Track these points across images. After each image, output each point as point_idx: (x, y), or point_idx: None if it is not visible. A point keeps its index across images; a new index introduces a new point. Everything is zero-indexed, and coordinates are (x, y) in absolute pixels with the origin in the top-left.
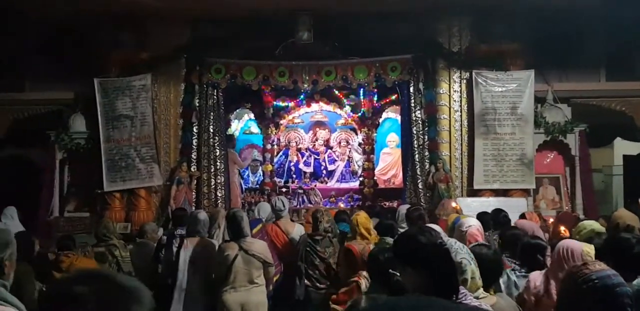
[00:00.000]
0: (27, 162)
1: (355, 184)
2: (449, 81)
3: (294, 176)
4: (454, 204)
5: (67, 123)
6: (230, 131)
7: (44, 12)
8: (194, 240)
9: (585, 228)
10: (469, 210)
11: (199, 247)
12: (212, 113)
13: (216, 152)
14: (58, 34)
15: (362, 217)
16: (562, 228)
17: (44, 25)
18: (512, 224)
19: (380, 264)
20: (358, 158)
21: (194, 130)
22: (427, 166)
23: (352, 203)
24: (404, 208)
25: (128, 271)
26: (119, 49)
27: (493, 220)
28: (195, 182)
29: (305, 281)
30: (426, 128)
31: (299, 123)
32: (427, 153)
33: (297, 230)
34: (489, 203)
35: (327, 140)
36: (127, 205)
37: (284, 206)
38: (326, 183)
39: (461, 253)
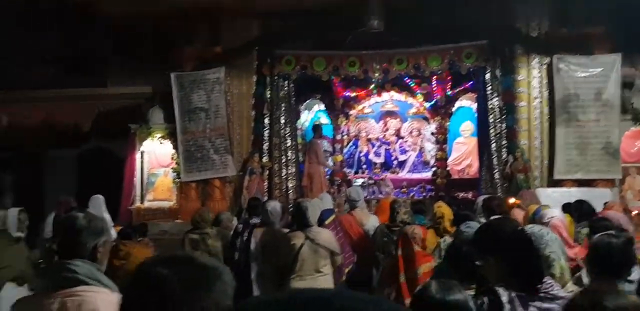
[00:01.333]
0: (110, 154)
1: (427, 174)
2: (528, 67)
3: (364, 166)
4: (512, 200)
5: (147, 116)
6: (299, 122)
7: (123, 12)
8: (265, 229)
9: None
10: (550, 201)
11: (268, 236)
12: (283, 105)
13: (287, 143)
14: (137, 32)
15: (445, 208)
16: None
17: (124, 24)
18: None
19: (462, 255)
20: (430, 148)
21: (266, 121)
22: (505, 155)
23: (424, 194)
24: (481, 200)
25: (220, 260)
26: (194, 44)
27: (577, 212)
28: (267, 172)
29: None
30: (503, 116)
31: (369, 113)
32: (504, 142)
33: (372, 221)
34: (570, 194)
35: (398, 130)
36: (203, 194)
37: (358, 196)
38: (397, 173)
39: (552, 246)
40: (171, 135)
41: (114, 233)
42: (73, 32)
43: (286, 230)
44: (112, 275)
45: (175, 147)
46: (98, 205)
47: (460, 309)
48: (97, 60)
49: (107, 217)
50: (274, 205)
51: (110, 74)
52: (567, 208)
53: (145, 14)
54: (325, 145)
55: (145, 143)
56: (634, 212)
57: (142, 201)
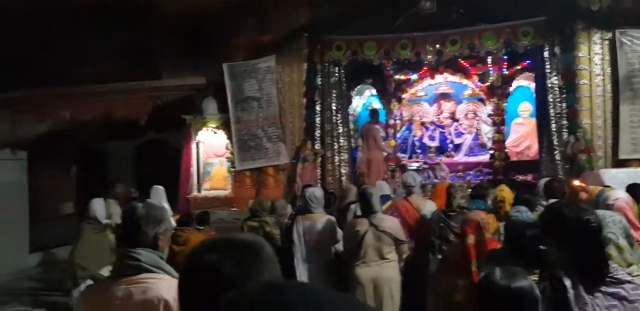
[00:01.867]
0: (166, 145)
1: (484, 157)
2: (589, 43)
3: (418, 151)
4: (577, 182)
5: (201, 107)
6: (351, 108)
7: (175, 4)
8: (306, 216)
9: None
10: (614, 182)
11: (308, 222)
12: (334, 91)
13: (339, 129)
14: (188, 24)
15: (508, 192)
16: None
17: (176, 17)
18: None
19: (525, 239)
20: (487, 130)
21: (317, 108)
22: (566, 136)
23: (481, 178)
24: (542, 182)
25: (278, 248)
26: (244, 34)
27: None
28: (319, 159)
29: (439, 256)
30: (564, 95)
31: (422, 96)
32: (565, 122)
33: (429, 207)
34: (637, 175)
35: (453, 113)
36: (257, 183)
37: (415, 182)
38: (453, 157)
39: (611, 227)
40: (225, 125)
41: (173, 222)
42: (128, 26)
43: (328, 216)
44: (172, 260)
45: (229, 137)
46: (159, 195)
47: (526, 296)
48: (152, 54)
49: (166, 206)
50: (312, 191)
51: (165, 67)
52: (632, 189)
53: (196, 6)
54: (379, 130)
55: (200, 133)
56: None
57: (199, 190)
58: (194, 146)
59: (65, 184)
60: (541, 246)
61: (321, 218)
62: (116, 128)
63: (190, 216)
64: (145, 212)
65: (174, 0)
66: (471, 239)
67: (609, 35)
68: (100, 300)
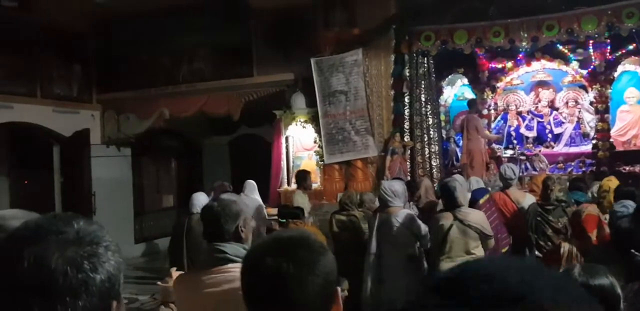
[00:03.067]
0: (258, 140)
1: (587, 148)
2: None
3: (515, 142)
4: None
5: (290, 102)
6: (442, 98)
7: (264, 3)
8: (385, 210)
9: None
10: None
11: (385, 216)
12: (423, 82)
13: (429, 121)
14: (277, 22)
15: (615, 182)
16: None
17: (265, 15)
18: None
19: (622, 233)
20: (590, 118)
21: (406, 100)
22: None
23: (583, 169)
24: None
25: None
26: (333, 28)
27: None
28: (409, 151)
29: (537, 252)
30: None
31: (518, 84)
32: None
33: (528, 200)
34: None
35: (552, 101)
36: (346, 176)
37: (514, 174)
38: (552, 148)
39: None
40: (313, 119)
41: (265, 213)
42: (220, 27)
43: (406, 210)
44: None
45: (318, 131)
46: (251, 188)
47: (605, 294)
48: (244, 52)
49: (258, 199)
50: (389, 184)
51: (255, 64)
52: None
53: (284, 3)
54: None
55: (289, 128)
56: None
57: (288, 183)
58: (283, 140)
59: (166, 179)
60: (633, 251)
61: (397, 212)
62: (212, 125)
63: (298, 208)
64: (221, 209)
65: None
66: (594, 236)
67: None
68: (191, 287)
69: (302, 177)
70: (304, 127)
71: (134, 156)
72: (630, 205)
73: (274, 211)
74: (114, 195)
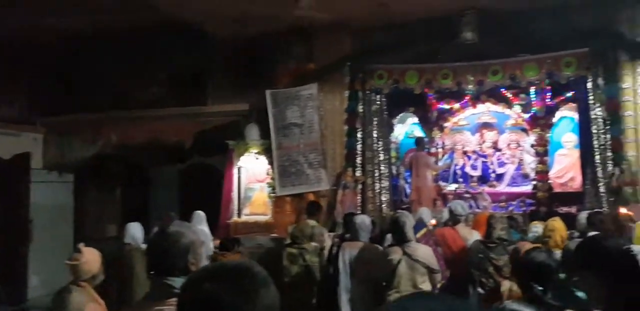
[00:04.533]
0: (210, 169)
1: (527, 188)
2: (634, 74)
3: (460, 180)
4: (624, 210)
5: (244, 132)
6: (393, 136)
7: (224, 33)
8: (353, 243)
9: None
10: None
11: (355, 250)
12: (375, 119)
13: (380, 157)
14: (236, 52)
15: (559, 223)
16: None
17: (224, 44)
18: None
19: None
20: (530, 160)
21: (359, 135)
22: (610, 168)
23: (524, 209)
24: (584, 215)
25: (316, 277)
26: (289, 62)
27: None
28: (360, 186)
29: (480, 289)
30: (608, 127)
31: (464, 125)
32: (609, 154)
33: (475, 237)
34: None
35: (496, 142)
36: (297, 208)
37: (464, 211)
38: (495, 187)
39: None
40: (267, 151)
41: (211, 246)
42: (177, 53)
43: (375, 245)
44: None
45: (271, 162)
46: (199, 220)
47: None
48: (200, 80)
49: (206, 230)
50: (362, 219)
51: (211, 93)
52: None
53: (244, 34)
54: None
55: (242, 158)
56: None
57: (239, 215)
58: (235, 171)
59: (110, 207)
60: (533, 285)
61: (367, 247)
62: (163, 153)
63: (230, 240)
64: (170, 242)
65: (226, 26)
66: None
67: None
68: None
69: (317, 207)
70: (257, 158)
71: (77, 182)
72: None
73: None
74: (54, 222)
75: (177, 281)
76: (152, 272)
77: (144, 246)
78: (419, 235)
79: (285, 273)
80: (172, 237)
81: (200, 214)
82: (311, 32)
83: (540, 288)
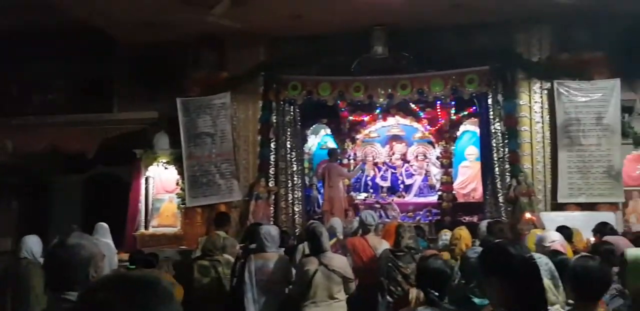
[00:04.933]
0: (115, 179)
1: (433, 198)
2: (529, 92)
3: (371, 190)
4: (528, 215)
5: (152, 141)
6: (307, 146)
7: (131, 38)
8: (259, 254)
9: None
10: (554, 224)
11: (261, 261)
12: (289, 129)
13: (293, 167)
14: (144, 58)
15: (465, 232)
16: None
17: (132, 50)
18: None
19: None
20: (436, 172)
21: (272, 146)
22: (508, 179)
23: (430, 218)
24: (484, 224)
25: (228, 289)
26: (200, 70)
27: (600, 233)
28: (273, 197)
29: (389, 298)
30: (506, 141)
31: (375, 137)
32: (507, 166)
33: (384, 246)
34: (574, 218)
35: (404, 154)
36: (208, 220)
37: (374, 220)
38: (404, 197)
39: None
40: (176, 161)
41: (115, 260)
42: (80, 58)
43: (284, 255)
44: None
45: (181, 172)
46: (103, 232)
47: None
48: (104, 86)
49: (110, 243)
50: (267, 230)
51: (117, 100)
52: (561, 231)
53: (153, 40)
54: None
55: (150, 168)
56: None
57: (146, 227)
58: (143, 181)
59: (4, 219)
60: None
61: (274, 257)
62: (65, 162)
63: (146, 255)
64: (69, 256)
65: (133, 31)
66: None
67: (548, 85)
68: None
69: (226, 218)
70: (166, 168)
71: None
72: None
73: (127, 257)
74: None
75: (77, 296)
76: (49, 287)
77: (42, 260)
78: (329, 244)
79: (196, 286)
80: (71, 250)
81: (103, 226)
82: (224, 40)
83: (437, 293)
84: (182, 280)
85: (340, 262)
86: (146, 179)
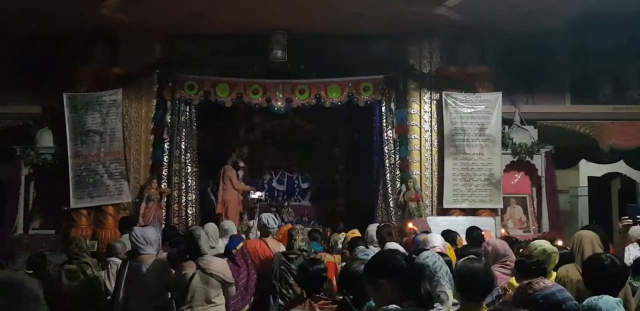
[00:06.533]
0: None
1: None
2: (420, 101)
3: (267, 194)
4: (410, 225)
5: (34, 138)
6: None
7: (13, 26)
8: (136, 257)
9: (536, 248)
10: (439, 228)
11: (135, 264)
12: (184, 130)
13: (187, 169)
14: (27, 48)
15: (357, 234)
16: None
17: (13, 39)
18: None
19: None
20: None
21: (166, 146)
22: (398, 185)
23: (324, 222)
24: (373, 228)
25: (102, 290)
26: (90, 64)
27: (467, 238)
28: (165, 199)
29: (280, 301)
30: (397, 148)
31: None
32: (398, 172)
33: (282, 249)
34: (458, 222)
35: None
36: (95, 222)
37: (275, 223)
38: (300, 201)
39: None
40: (61, 159)
41: None
42: None
43: (160, 258)
44: None
45: (65, 172)
46: None
47: None
48: None
49: None
50: (141, 231)
51: None
52: (446, 235)
53: (38, 32)
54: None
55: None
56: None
57: (25, 229)
58: (23, 180)
59: None
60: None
61: (149, 260)
62: None
63: (42, 257)
64: None
65: (17, 21)
66: (335, 281)
67: (437, 95)
68: None
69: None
70: (48, 166)
71: None
72: (370, 253)
73: None
74: None
75: None
76: None
77: None
78: (238, 247)
79: (65, 291)
80: None
81: None
82: (117, 34)
83: (351, 296)
84: (51, 286)
85: (219, 266)
86: (26, 178)
